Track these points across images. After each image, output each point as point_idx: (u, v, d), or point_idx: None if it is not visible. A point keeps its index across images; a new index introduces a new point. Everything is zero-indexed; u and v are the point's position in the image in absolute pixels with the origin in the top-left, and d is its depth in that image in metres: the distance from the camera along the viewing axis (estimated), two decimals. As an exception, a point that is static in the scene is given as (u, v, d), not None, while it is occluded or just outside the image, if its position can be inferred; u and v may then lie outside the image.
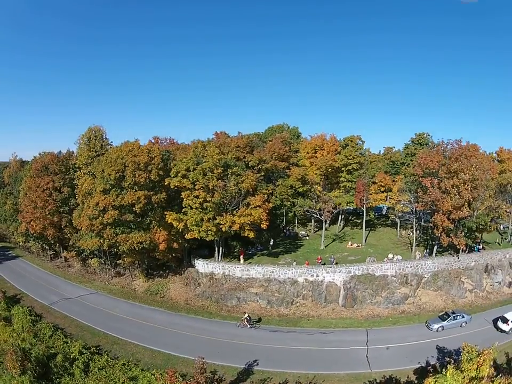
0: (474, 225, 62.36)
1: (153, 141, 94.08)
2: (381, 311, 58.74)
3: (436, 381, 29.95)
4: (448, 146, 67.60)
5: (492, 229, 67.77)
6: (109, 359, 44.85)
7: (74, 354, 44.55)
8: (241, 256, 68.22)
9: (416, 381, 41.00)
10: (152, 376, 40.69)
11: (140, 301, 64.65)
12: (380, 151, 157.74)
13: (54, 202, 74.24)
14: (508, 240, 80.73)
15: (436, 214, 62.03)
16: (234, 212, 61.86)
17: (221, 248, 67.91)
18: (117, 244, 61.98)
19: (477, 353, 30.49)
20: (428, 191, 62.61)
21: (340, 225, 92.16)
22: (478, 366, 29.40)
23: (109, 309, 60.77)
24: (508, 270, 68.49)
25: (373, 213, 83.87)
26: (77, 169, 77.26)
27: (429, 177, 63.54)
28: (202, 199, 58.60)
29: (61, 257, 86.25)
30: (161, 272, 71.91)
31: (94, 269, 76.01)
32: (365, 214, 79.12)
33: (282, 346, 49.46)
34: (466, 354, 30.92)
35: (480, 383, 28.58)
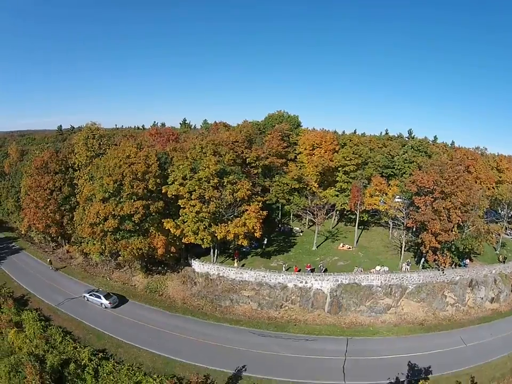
0: (462, 246, 69.88)
1: (153, 132, 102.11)
2: (364, 319, 68.10)
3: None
4: (446, 166, 72.23)
5: (481, 251, 74.62)
6: (115, 364, 53.84)
7: (84, 361, 53.51)
8: (236, 259, 77.16)
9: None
10: (154, 381, 50.23)
11: (140, 299, 73.66)
12: (381, 132, 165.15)
13: (55, 201, 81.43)
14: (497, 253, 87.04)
15: (425, 232, 68.68)
16: (229, 221, 69.23)
17: (216, 250, 76.64)
18: (118, 250, 70.15)
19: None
20: (420, 210, 69.31)
21: (334, 220, 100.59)
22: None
23: (111, 310, 69.18)
24: (492, 285, 75.63)
25: (367, 215, 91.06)
26: (76, 169, 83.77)
27: (422, 197, 69.73)
28: (198, 209, 65.93)
29: (63, 246, 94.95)
30: (159, 268, 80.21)
31: (96, 262, 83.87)
32: (358, 217, 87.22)
33: (269, 353, 58.71)
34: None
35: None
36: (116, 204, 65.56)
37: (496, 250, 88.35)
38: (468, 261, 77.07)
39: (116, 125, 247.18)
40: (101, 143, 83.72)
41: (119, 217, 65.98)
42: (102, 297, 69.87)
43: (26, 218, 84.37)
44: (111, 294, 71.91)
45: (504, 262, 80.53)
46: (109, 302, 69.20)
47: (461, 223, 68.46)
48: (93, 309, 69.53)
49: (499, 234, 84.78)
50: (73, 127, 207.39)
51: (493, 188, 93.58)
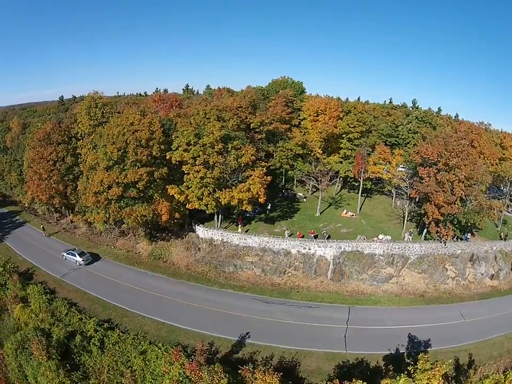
0: (464, 220, 68.64)
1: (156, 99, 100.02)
2: (366, 287, 67.31)
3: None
4: (451, 139, 70.18)
5: (482, 226, 73.58)
6: (121, 334, 53.30)
7: (90, 332, 53.00)
8: (240, 225, 75.95)
9: (383, 367, 49.45)
10: (159, 350, 49.59)
11: (144, 267, 72.97)
12: (384, 101, 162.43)
13: (59, 172, 79.51)
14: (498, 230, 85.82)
15: (428, 204, 67.02)
16: (233, 187, 67.82)
17: (220, 215, 75.44)
18: (122, 218, 69.15)
19: (431, 365, 39.81)
20: (424, 181, 67.40)
21: (337, 186, 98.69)
22: (429, 377, 38.72)
23: (117, 278, 68.59)
24: (492, 262, 73.83)
25: (370, 183, 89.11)
26: (79, 139, 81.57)
27: (426, 167, 67.72)
28: (203, 175, 64.52)
29: (67, 216, 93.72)
30: (163, 234, 79.10)
31: (100, 230, 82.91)
32: (361, 184, 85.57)
33: (273, 320, 58.23)
34: (421, 364, 40.14)
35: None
36: (119, 172, 63.92)
37: (497, 227, 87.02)
38: (469, 235, 75.40)
39: (117, 93, 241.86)
40: (104, 111, 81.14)
41: (123, 185, 64.52)
42: (77, 255, 74.23)
43: (29, 191, 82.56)
44: (85, 252, 76.17)
45: (505, 239, 78.92)
46: (82, 259, 73.67)
47: (464, 197, 66.79)
48: (99, 279, 68.99)
49: (501, 211, 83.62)
50: (75, 97, 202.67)
51: (496, 164, 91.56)
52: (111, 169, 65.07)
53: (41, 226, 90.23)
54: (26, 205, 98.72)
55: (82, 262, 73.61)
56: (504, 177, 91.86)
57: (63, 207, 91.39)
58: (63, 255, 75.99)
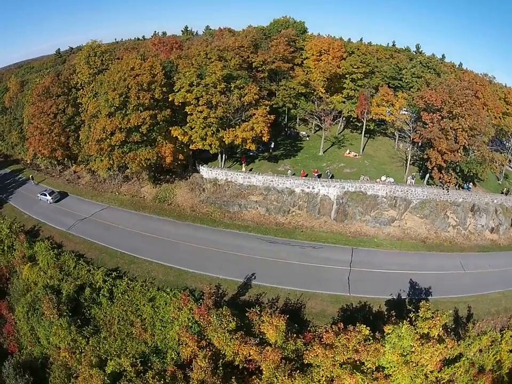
0: (466, 169, 66.24)
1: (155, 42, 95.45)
2: (368, 229, 65.82)
3: (393, 330, 38.56)
4: (455, 88, 66.79)
5: (484, 177, 71.10)
6: (129, 282, 52.53)
7: (99, 284, 52.10)
8: (243, 164, 73.41)
9: (385, 312, 48.95)
10: (167, 295, 49.16)
11: (149, 211, 71.18)
12: (388, 43, 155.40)
13: (60, 124, 76.10)
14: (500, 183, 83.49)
15: (431, 149, 64.18)
16: (237, 126, 65.18)
17: (224, 155, 72.91)
18: (126, 163, 66.81)
19: (432, 314, 39.18)
20: (427, 126, 64.21)
21: (340, 126, 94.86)
22: (430, 327, 38.15)
23: (123, 225, 66.80)
24: (493, 215, 72.07)
25: (373, 124, 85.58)
26: (79, 88, 77.75)
27: (430, 113, 64.35)
28: (206, 115, 61.82)
29: (69, 167, 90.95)
30: (167, 177, 76.75)
31: (103, 178, 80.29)
32: (364, 125, 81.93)
33: (277, 260, 57.65)
34: (423, 313, 39.45)
35: (428, 342, 37.09)
36: (122, 117, 61.65)
37: (498, 180, 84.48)
38: (471, 184, 72.84)
39: (115, 39, 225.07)
40: (103, 59, 77.01)
41: (126, 130, 62.40)
42: (47, 194, 78.15)
43: (31, 147, 79.12)
44: (54, 191, 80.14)
45: (506, 194, 76.40)
46: (51, 197, 77.60)
47: (467, 146, 64.39)
48: (105, 227, 67.32)
49: (502, 165, 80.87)
50: (72, 48, 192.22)
51: (499, 117, 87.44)
52: (113, 116, 62.73)
53: (30, 175, 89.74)
54: (28, 162, 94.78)
55: (51, 200, 77.31)
56: (507, 131, 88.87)
57: (66, 159, 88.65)
58: (37, 196, 79.26)
